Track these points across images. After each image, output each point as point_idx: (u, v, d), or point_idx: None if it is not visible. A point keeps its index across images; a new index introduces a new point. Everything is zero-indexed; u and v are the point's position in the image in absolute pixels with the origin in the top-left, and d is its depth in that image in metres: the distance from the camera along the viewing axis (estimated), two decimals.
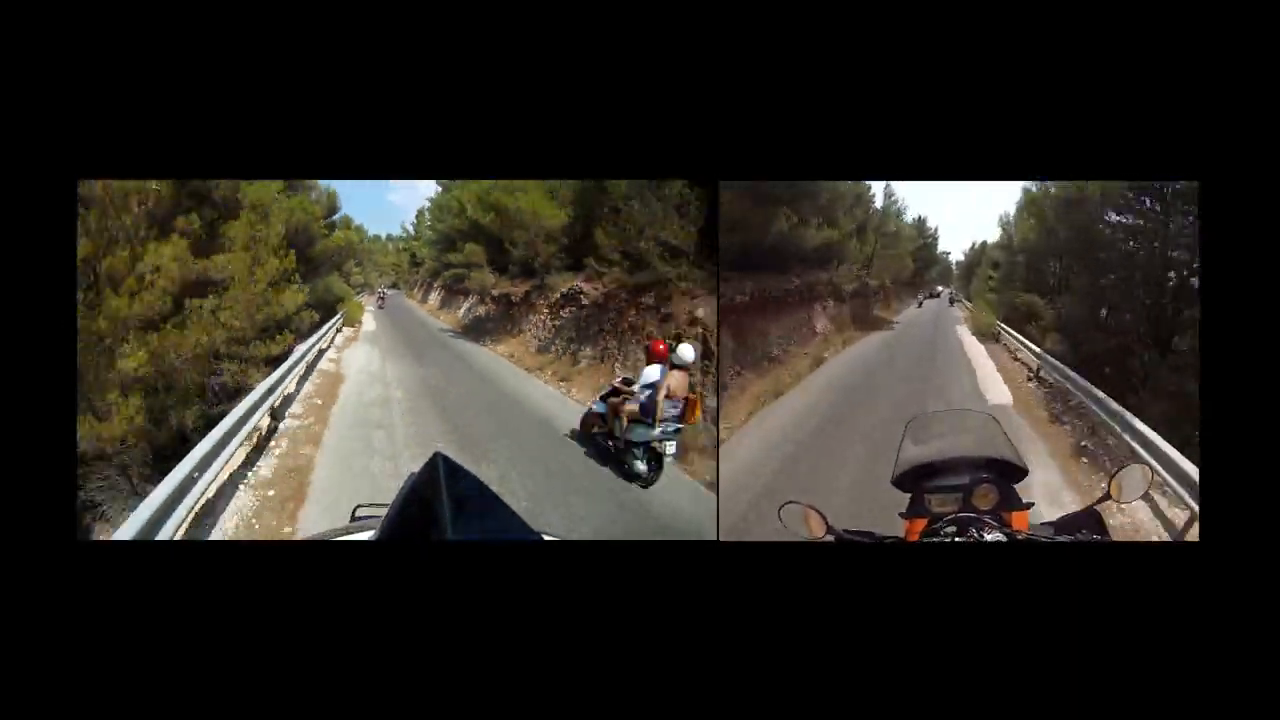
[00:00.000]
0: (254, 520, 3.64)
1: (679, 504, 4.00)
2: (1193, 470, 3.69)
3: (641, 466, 4.29)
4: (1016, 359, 8.65)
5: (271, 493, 3.78)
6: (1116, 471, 1.57)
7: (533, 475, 4.00)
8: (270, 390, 3.91)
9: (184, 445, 3.52)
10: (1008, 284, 9.30)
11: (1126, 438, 4.70)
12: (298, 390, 4.38)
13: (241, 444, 3.74)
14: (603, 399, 4.56)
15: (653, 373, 4.29)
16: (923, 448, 1.65)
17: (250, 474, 3.95)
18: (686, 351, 4.37)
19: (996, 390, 7.46)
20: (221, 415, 3.67)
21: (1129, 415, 4.84)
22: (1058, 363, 6.81)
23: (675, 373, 4.16)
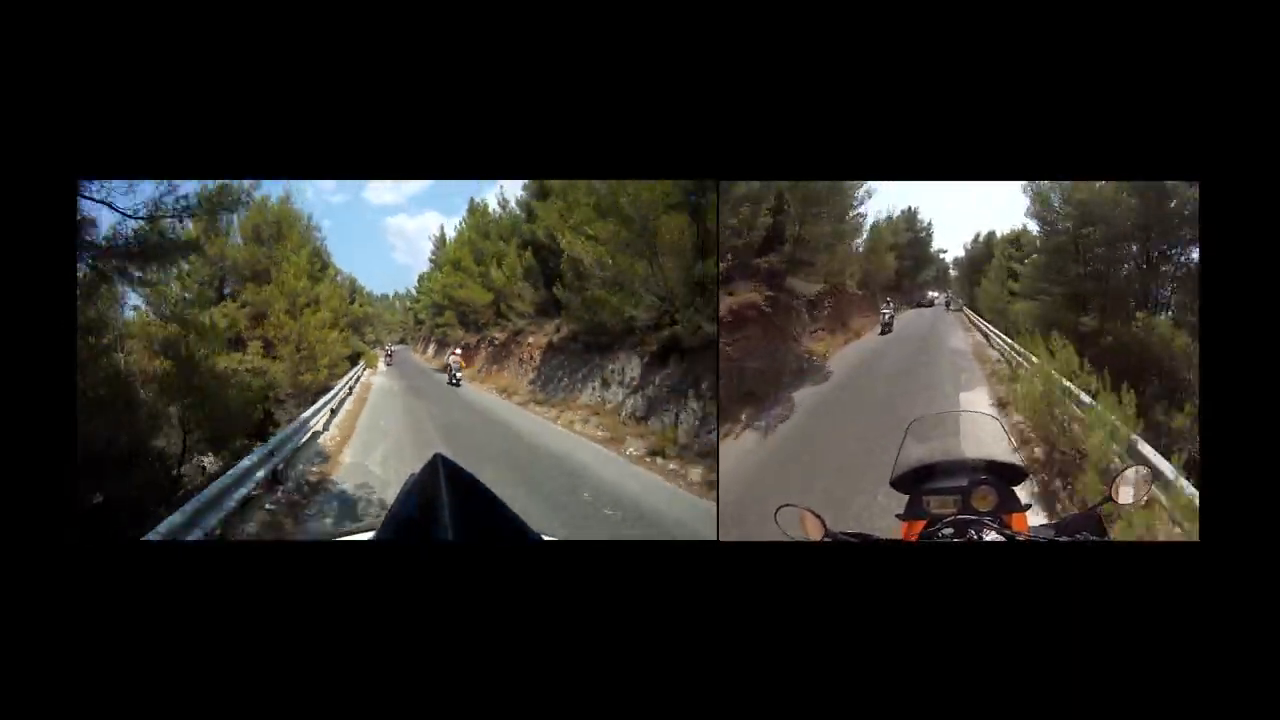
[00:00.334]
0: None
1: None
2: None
3: None
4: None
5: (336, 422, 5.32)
6: (1118, 475, 1.56)
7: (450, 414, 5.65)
8: (334, 398, 5.54)
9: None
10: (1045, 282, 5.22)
11: None
12: (348, 396, 6.50)
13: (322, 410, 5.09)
14: None
15: None
16: (922, 449, 1.65)
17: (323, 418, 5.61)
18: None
19: None
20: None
21: None
22: None
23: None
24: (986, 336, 7.33)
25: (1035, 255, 5.52)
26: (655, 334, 4.71)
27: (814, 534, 1.54)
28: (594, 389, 5.47)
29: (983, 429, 1.73)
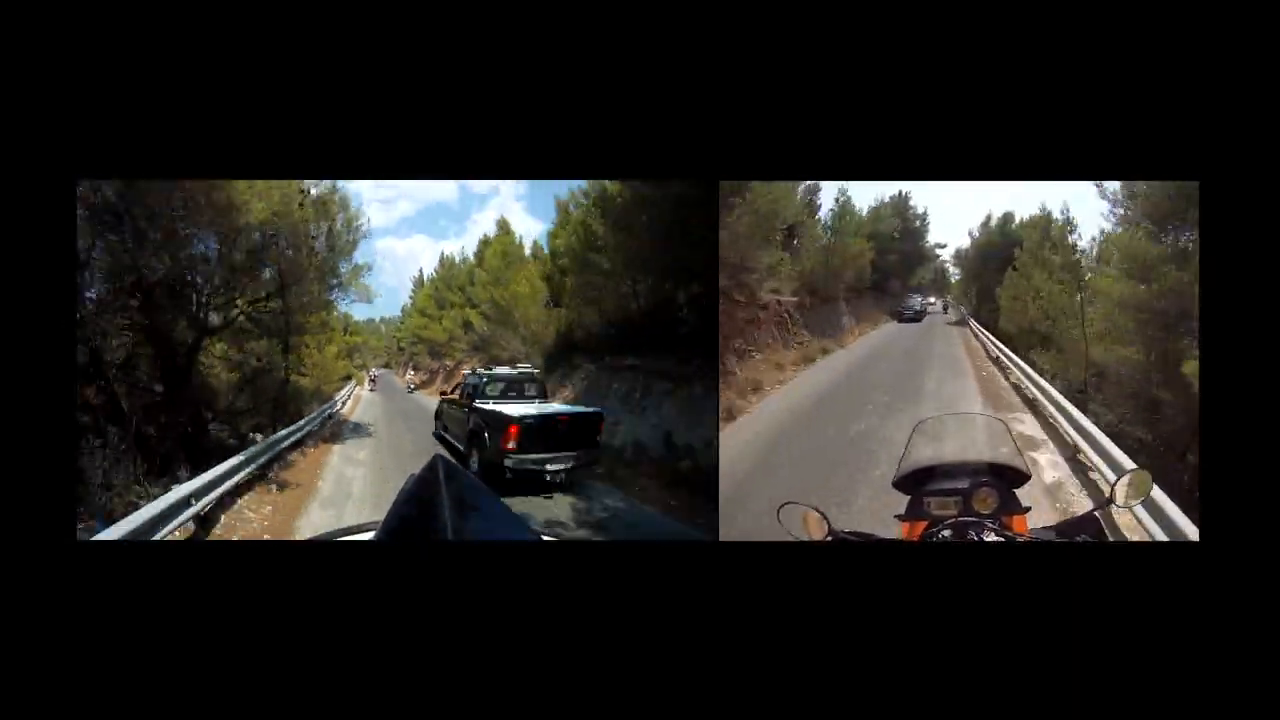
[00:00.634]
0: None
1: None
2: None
3: None
4: None
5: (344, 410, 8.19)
6: (1118, 478, 1.57)
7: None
8: (343, 399, 8.26)
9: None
10: None
11: None
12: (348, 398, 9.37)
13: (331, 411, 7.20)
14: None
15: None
16: (926, 450, 1.65)
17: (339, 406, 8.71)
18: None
19: None
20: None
21: None
22: None
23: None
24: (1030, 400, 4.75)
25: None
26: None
27: (816, 533, 1.54)
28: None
29: (988, 431, 1.73)
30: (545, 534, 2.33)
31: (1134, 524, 3.15)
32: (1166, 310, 3.88)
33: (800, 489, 3.47)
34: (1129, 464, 3.41)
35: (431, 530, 0.96)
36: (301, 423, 5.46)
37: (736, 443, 4.45)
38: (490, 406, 4.45)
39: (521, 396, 5.03)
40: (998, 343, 7.59)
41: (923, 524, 1.55)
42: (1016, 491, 1.58)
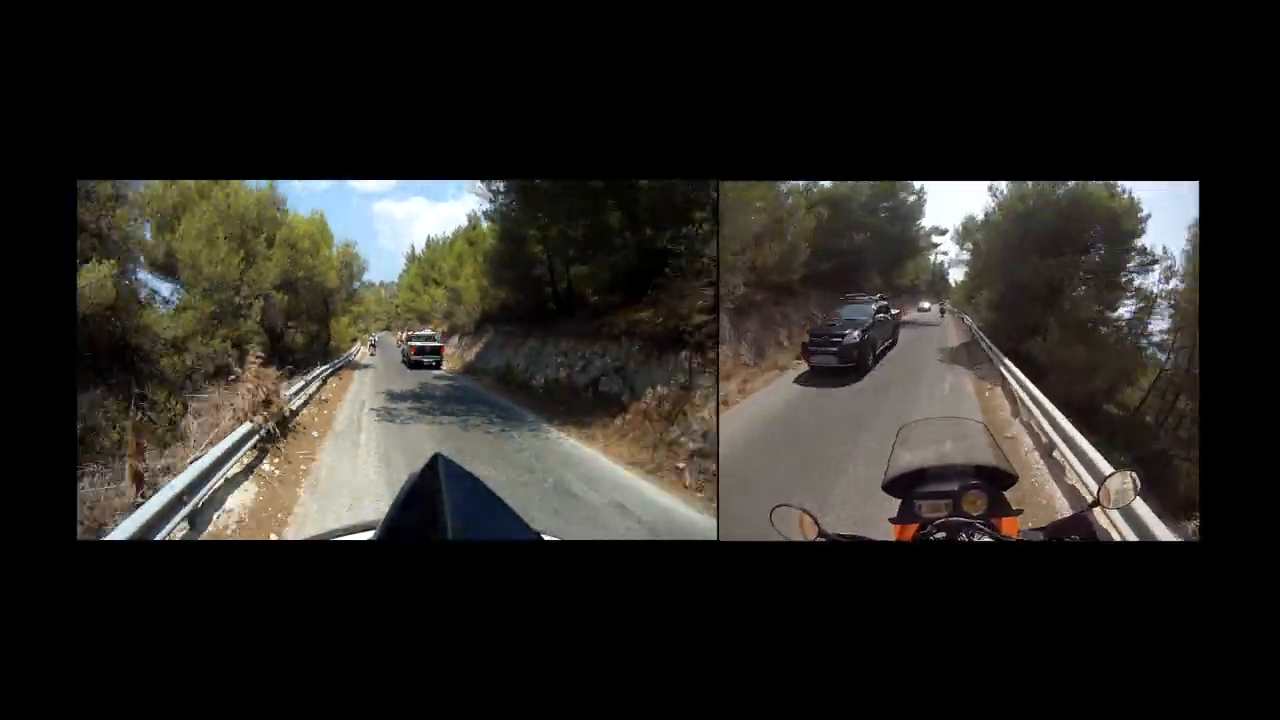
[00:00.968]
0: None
1: None
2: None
3: None
4: None
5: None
6: (1105, 478, 1.59)
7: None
8: (352, 353, 8.37)
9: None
10: None
11: None
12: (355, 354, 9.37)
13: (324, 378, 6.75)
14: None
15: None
16: (914, 454, 1.67)
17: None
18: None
19: None
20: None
21: None
22: None
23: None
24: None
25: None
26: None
27: (809, 534, 1.56)
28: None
29: (970, 434, 1.75)
30: (545, 534, 2.33)
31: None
32: None
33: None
34: None
35: (431, 530, 0.96)
36: (336, 361, 8.03)
37: None
38: (409, 344, 8.09)
39: (422, 341, 8.24)
40: (1052, 413, 3.91)
41: (914, 526, 1.57)
42: (1005, 494, 1.60)
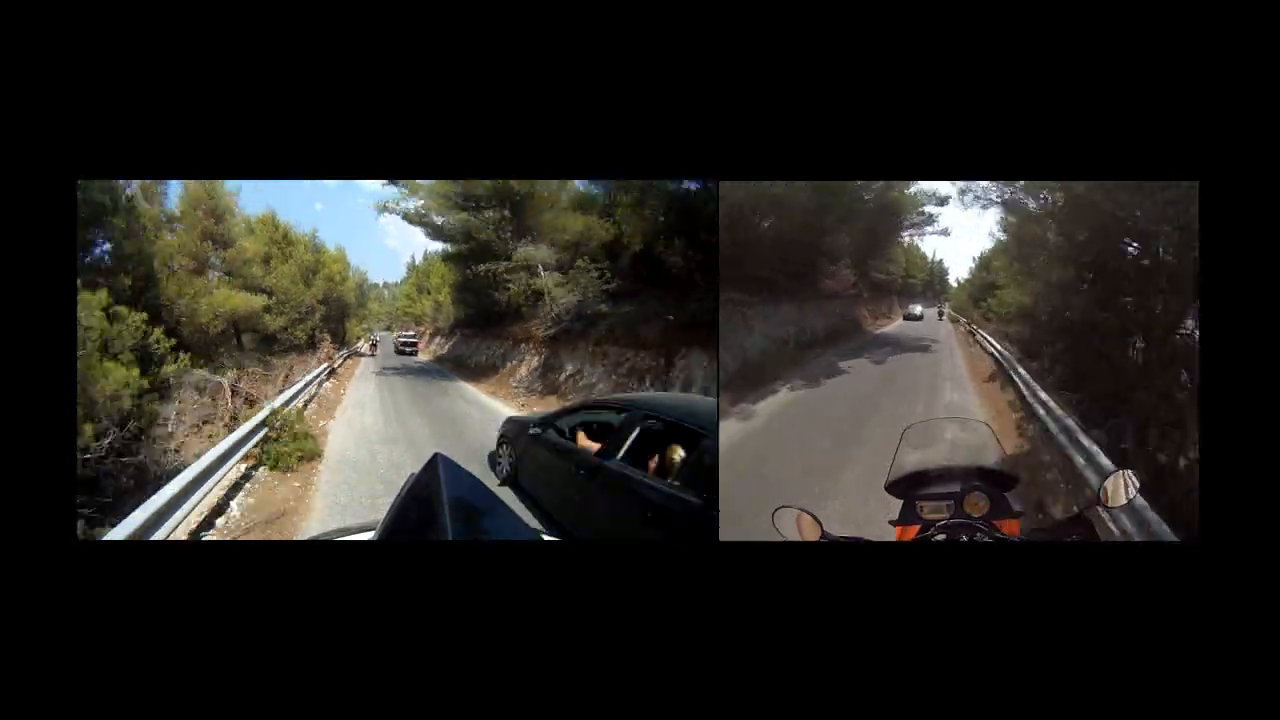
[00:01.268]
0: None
1: None
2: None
3: None
4: None
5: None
6: (1107, 477, 1.59)
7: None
8: (354, 347, 11.94)
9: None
10: None
11: None
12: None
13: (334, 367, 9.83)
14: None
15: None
16: (917, 455, 1.68)
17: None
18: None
19: None
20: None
21: None
22: None
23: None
24: None
25: None
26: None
27: (809, 535, 1.56)
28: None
29: (974, 435, 1.75)
30: (545, 534, 2.33)
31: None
32: None
33: None
34: None
35: (431, 530, 0.96)
36: (347, 350, 11.17)
37: None
38: (396, 339, 12.00)
39: (405, 339, 12.02)
40: None
41: (916, 528, 1.57)
42: (1007, 495, 1.61)
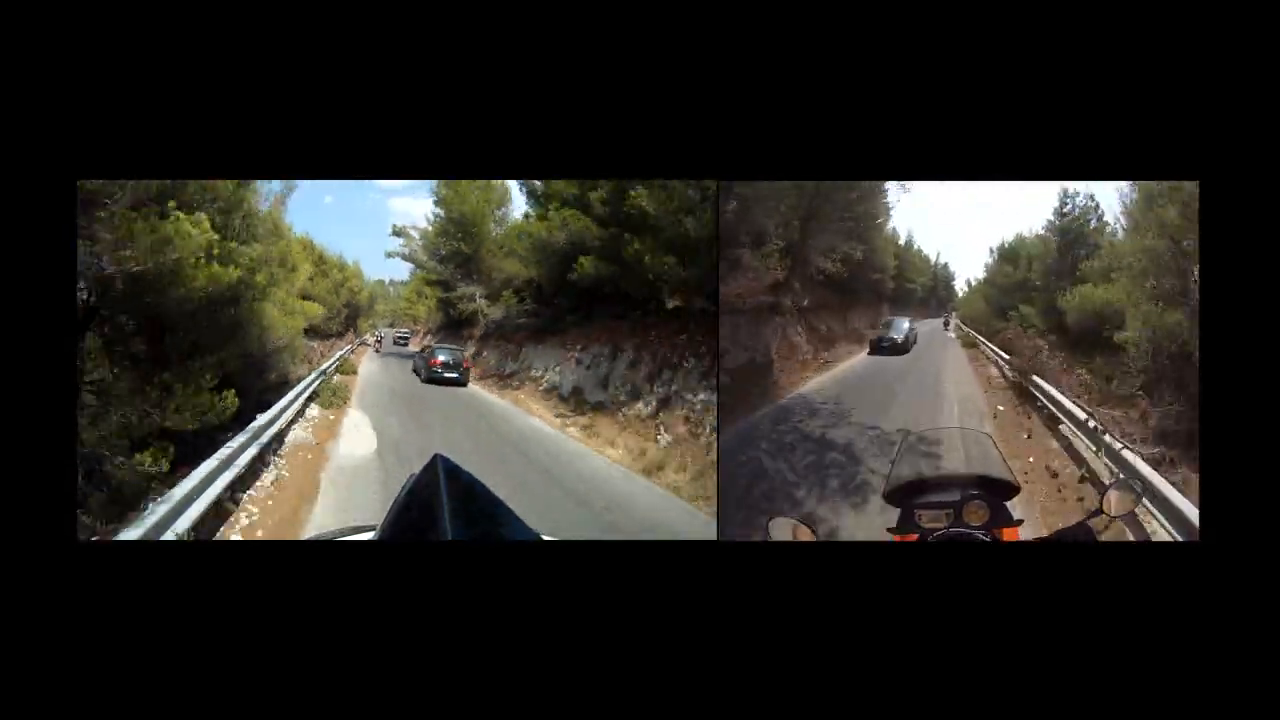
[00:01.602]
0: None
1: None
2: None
3: None
4: None
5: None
6: (1107, 488, 1.59)
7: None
8: (363, 338, 16.75)
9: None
10: None
11: None
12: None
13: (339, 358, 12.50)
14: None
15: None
16: (915, 464, 1.68)
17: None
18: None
19: None
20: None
21: None
22: None
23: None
24: None
25: None
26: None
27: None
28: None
29: (974, 444, 1.75)
30: (545, 534, 2.32)
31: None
32: None
33: None
34: None
35: (431, 530, 0.96)
36: (357, 340, 14.78)
37: None
38: (395, 336, 16.80)
39: (401, 336, 16.88)
40: None
41: (913, 537, 1.57)
42: (1006, 504, 1.59)
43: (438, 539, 0.92)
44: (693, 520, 4.57)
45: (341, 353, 12.28)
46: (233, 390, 4.58)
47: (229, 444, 4.62)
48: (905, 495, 1.64)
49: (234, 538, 4.32)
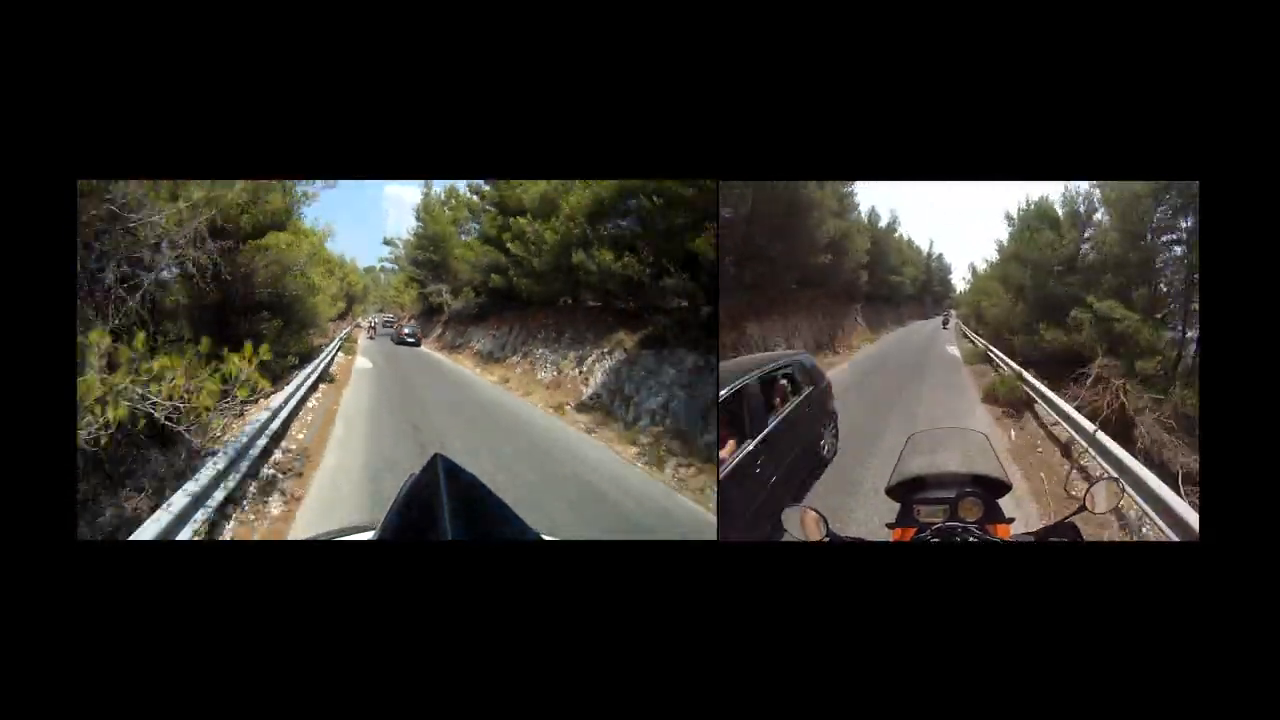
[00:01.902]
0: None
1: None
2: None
3: None
4: None
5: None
6: (1090, 486, 1.61)
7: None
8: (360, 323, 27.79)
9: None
10: None
11: None
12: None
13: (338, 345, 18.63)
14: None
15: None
16: (917, 461, 1.71)
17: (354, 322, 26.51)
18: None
19: None
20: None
21: None
22: None
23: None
24: None
25: None
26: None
27: (814, 533, 1.57)
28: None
29: (974, 444, 1.78)
30: (545, 534, 2.32)
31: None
32: None
33: None
34: None
35: (431, 530, 0.96)
36: (357, 321, 22.23)
37: None
38: (381, 321, 25.69)
39: (386, 321, 24.42)
40: None
41: (912, 530, 1.60)
42: (999, 501, 1.63)
43: (438, 539, 0.92)
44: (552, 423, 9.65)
45: (347, 330, 19.71)
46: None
47: (305, 369, 10.01)
48: (906, 491, 1.67)
49: (309, 418, 8.10)
